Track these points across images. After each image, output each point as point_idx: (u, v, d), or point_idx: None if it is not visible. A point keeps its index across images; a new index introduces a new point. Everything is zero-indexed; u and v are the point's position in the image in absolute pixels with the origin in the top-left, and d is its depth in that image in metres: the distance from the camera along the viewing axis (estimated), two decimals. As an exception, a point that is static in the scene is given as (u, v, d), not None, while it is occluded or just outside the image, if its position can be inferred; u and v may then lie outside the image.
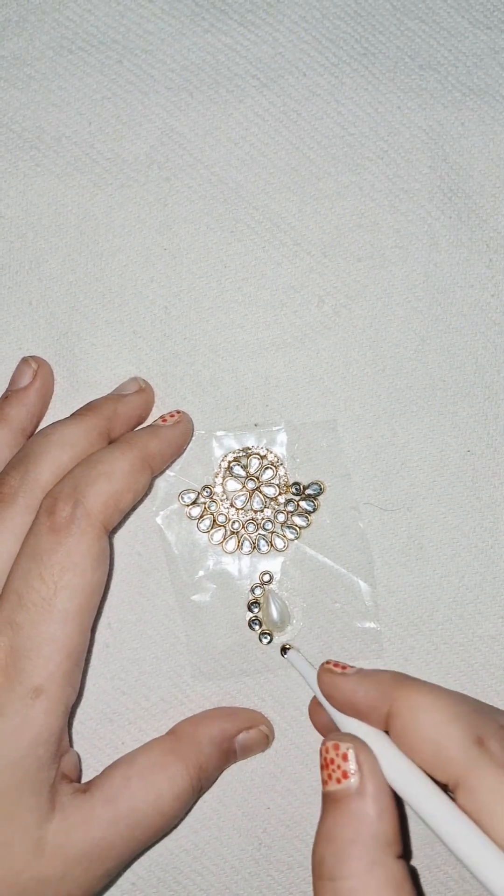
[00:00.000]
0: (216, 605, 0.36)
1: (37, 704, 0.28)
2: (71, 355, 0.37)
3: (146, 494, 0.35)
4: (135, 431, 0.35)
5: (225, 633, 0.36)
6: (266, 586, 0.36)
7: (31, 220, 0.38)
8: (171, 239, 0.38)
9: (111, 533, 0.32)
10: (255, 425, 0.37)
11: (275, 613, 0.35)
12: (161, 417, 0.35)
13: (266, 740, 0.35)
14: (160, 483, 0.36)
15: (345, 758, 0.27)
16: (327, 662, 0.31)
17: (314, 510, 0.36)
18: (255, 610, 0.36)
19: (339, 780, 0.26)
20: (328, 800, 0.26)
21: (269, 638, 0.36)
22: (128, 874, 0.34)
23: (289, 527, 0.36)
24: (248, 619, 0.36)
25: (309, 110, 0.38)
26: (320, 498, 0.36)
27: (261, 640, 0.36)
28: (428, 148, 0.38)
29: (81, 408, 0.34)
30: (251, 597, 0.36)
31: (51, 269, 0.37)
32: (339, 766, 0.27)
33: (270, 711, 0.36)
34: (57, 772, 0.30)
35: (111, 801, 0.30)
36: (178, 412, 0.36)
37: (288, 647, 0.35)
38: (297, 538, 0.36)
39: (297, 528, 0.36)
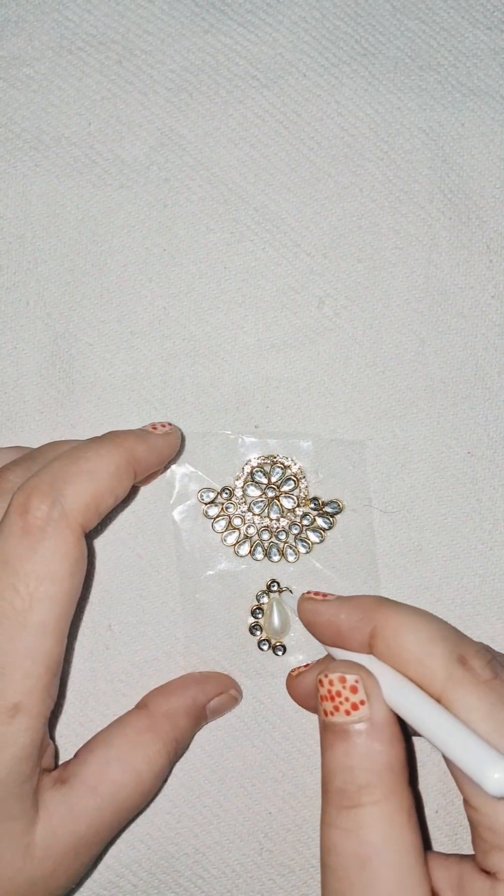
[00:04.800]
0: (218, 607, 0.36)
1: (15, 722, 0.27)
2: (67, 356, 0.37)
3: (129, 497, 0.34)
4: (123, 431, 0.33)
5: (223, 634, 0.36)
6: (272, 594, 0.36)
7: (29, 220, 0.37)
8: (170, 240, 0.38)
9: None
10: (256, 427, 0.37)
11: (276, 621, 0.35)
12: (152, 425, 0.34)
13: (235, 701, 0.35)
14: (179, 478, 0.36)
15: (353, 690, 0.27)
16: (307, 592, 0.31)
17: (330, 528, 0.36)
18: (258, 616, 0.36)
19: (347, 712, 0.26)
20: (337, 731, 0.27)
21: (268, 645, 0.36)
22: (129, 876, 0.34)
23: (302, 540, 0.36)
24: (249, 624, 0.36)
25: (309, 111, 0.38)
26: (337, 517, 0.36)
27: (260, 648, 0.36)
28: (428, 148, 0.38)
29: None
30: (255, 603, 0.36)
31: (49, 269, 0.37)
32: (346, 698, 0.27)
33: (271, 714, 0.35)
34: (38, 775, 0.29)
35: (93, 791, 0.29)
36: (170, 424, 0.34)
37: (284, 589, 0.35)
38: (308, 552, 0.36)
39: (310, 543, 0.36)
